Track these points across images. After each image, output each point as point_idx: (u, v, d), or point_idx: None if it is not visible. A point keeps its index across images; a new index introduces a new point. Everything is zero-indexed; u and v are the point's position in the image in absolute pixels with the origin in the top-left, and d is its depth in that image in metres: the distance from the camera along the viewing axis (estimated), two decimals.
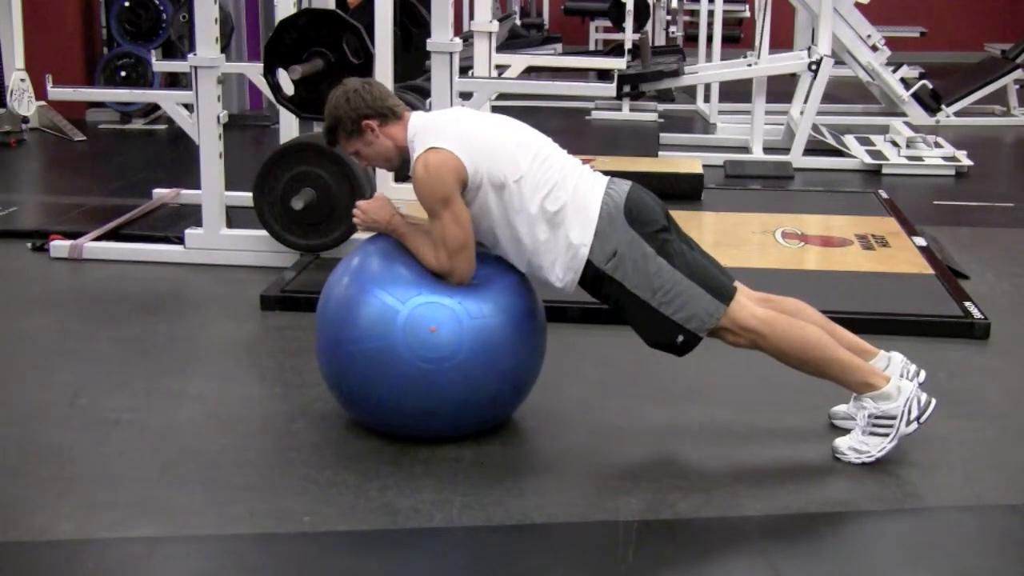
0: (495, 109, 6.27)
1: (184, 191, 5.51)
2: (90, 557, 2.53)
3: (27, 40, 7.33)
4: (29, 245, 4.86)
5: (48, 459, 2.96)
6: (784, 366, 2.99)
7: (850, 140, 7.39)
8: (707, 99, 8.56)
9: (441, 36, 4.49)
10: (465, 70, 5.52)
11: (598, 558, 2.53)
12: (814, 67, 6.99)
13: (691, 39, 9.97)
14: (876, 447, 2.90)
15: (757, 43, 7.28)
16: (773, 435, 3.14)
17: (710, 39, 8.67)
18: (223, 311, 4.20)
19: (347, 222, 4.10)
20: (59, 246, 4.74)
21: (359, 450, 2.97)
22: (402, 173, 3.06)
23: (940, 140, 7.30)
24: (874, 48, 8.26)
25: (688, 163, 6.25)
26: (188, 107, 4.77)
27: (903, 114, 8.34)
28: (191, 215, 5.02)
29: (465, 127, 2.93)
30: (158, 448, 3.03)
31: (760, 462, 3.00)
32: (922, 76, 8.55)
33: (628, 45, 8.31)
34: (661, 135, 7.69)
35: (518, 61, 7.39)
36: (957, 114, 8.53)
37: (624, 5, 8.51)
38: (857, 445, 2.92)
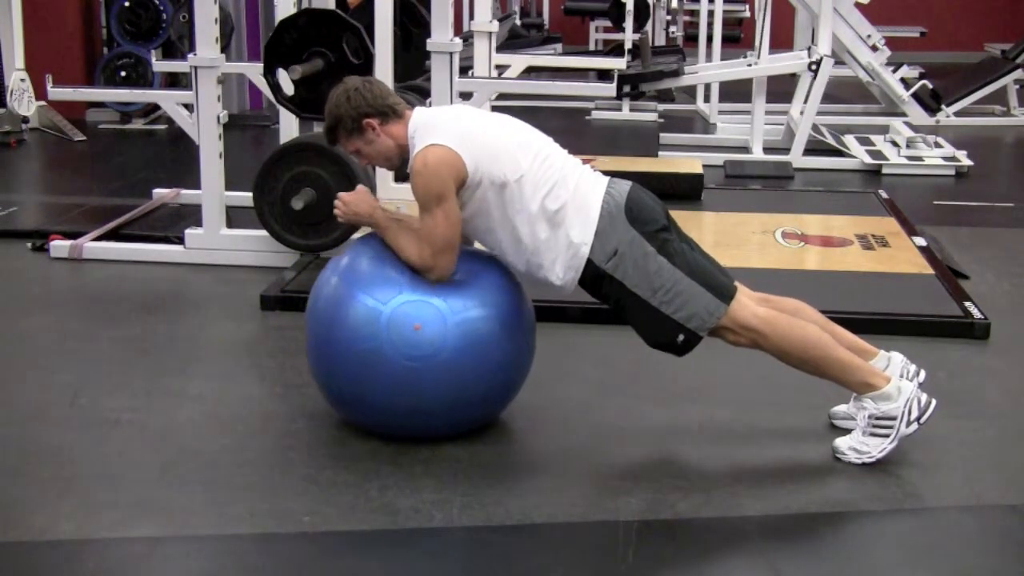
0: (495, 109, 6.26)
1: (184, 191, 5.51)
2: (90, 557, 2.53)
3: (27, 40, 7.33)
4: (29, 245, 4.86)
5: (48, 459, 2.96)
6: (784, 366, 2.99)
7: (850, 140, 7.39)
8: (707, 99, 8.56)
9: (441, 36, 4.49)
10: (465, 70, 5.52)
11: (598, 558, 2.53)
12: (814, 67, 6.99)
13: (691, 39, 9.97)
14: (876, 448, 2.90)
15: (757, 43, 7.28)
16: (773, 435, 3.14)
17: (710, 39, 8.67)
18: (223, 311, 4.20)
19: None
20: (59, 246, 4.74)
21: (359, 450, 2.97)
22: (402, 172, 3.06)
23: (940, 140, 7.30)
24: (874, 48, 8.26)
25: (688, 163, 6.25)
26: (188, 107, 4.77)
27: (903, 114, 8.34)
28: (191, 215, 5.02)
29: (466, 125, 2.93)
30: (158, 448, 3.03)
31: (760, 462, 3.00)
32: (922, 76, 8.55)
33: (628, 45, 8.31)
34: (661, 135, 7.69)
35: (518, 61, 7.39)
36: (957, 114, 8.53)
37: (624, 5, 8.51)
38: (857, 445, 2.92)
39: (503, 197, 2.90)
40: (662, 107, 8.83)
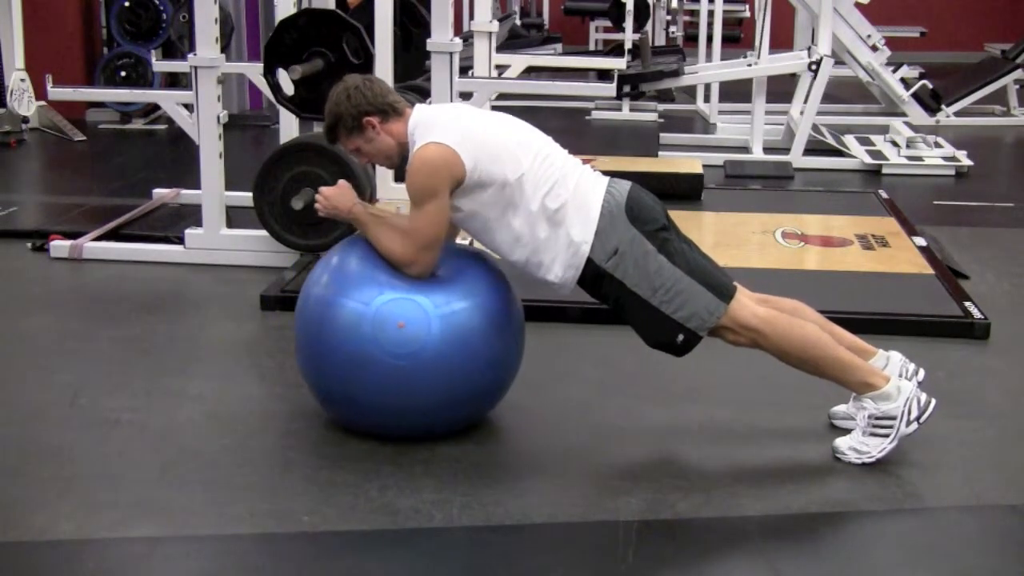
0: (495, 109, 6.25)
1: (184, 191, 5.51)
2: (90, 557, 2.53)
3: (27, 40, 7.33)
4: (29, 245, 4.86)
5: (48, 459, 2.96)
6: (784, 366, 2.99)
7: (850, 140, 7.39)
8: (707, 99, 8.56)
9: (441, 36, 4.49)
10: (465, 70, 5.52)
11: (598, 558, 2.53)
12: (814, 67, 6.99)
13: (691, 39, 9.97)
14: (876, 447, 2.90)
15: (757, 43, 7.28)
16: (773, 435, 3.14)
17: (710, 39, 8.67)
18: (223, 311, 4.20)
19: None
20: (59, 246, 4.74)
21: (359, 450, 2.97)
22: (402, 170, 3.07)
23: (940, 140, 7.30)
24: (874, 48, 8.26)
25: (688, 163, 6.25)
26: (188, 107, 4.77)
27: (903, 114, 8.34)
28: (191, 215, 5.03)
29: (466, 124, 2.93)
30: (158, 448, 3.03)
31: (760, 462, 3.00)
32: (922, 76, 8.55)
33: (628, 45, 8.31)
34: (661, 135, 7.69)
35: (518, 61, 7.39)
36: (957, 114, 8.53)
37: (624, 5, 8.51)
38: (857, 445, 2.92)
39: (502, 196, 2.90)
40: (662, 107, 8.83)
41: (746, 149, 7.29)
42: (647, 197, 2.99)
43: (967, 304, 4.04)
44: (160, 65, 6.54)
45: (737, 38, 10.59)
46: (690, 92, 9.05)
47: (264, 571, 2.50)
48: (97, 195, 6.01)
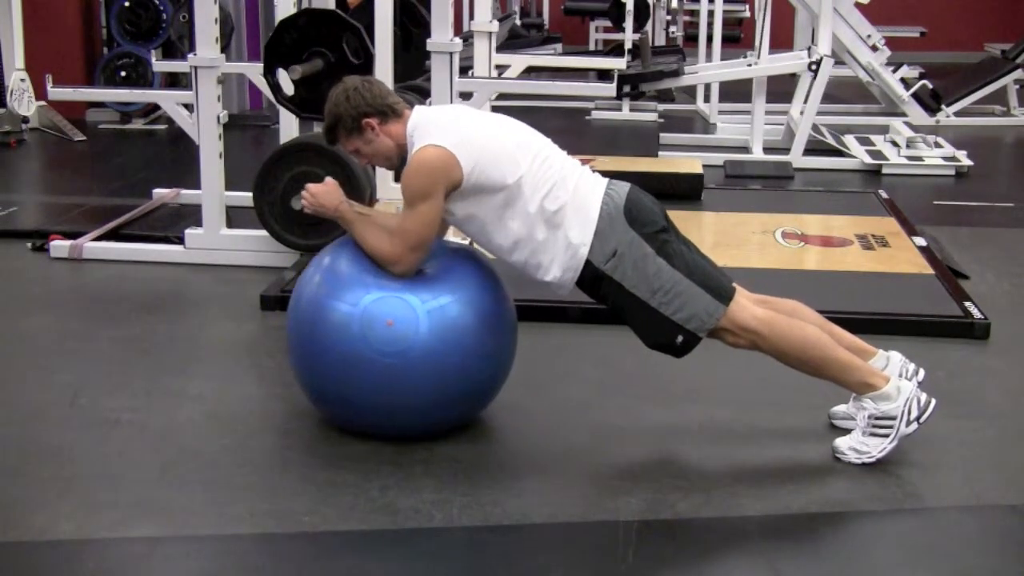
0: (495, 109, 6.26)
1: (184, 191, 5.51)
2: (90, 557, 2.53)
3: (27, 40, 7.33)
4: (29, 245, 4.86)
5: (48, 459, 2.96)
6: (784, 366, 2.99)
7: (850, 140, 7.39)
8: (707, 99, 8.56)
9: (441, 36, 4.49)
10: (465, 70, 5.52)
11: (598, 558, 2.53)
12: (814, 67, 6.99)
13: (691, 39, 9.97)
14: (876, 448, 2.90)
15: (757, 43, 7.28)
16: (773, 435, 3.14)
17: (710, 39, 8.67)
18: (223, 311, 4.20)
19: None
20: (59, 246, 4.74)
21: (359, 450, 2.97)
22: (402, 171, 3.07)
23: (940, 140, 7.30)
24: (874, 48, 8.26)
25: (688, 163, 6.25)
26: (188, 107, 4.77)
27: (903, 114, 8.34)
28: (191, 215, 5.02)
29: (465, 127, 2.93)
30: (158, 448, 3.03)
31: (760, 462, 3.00)
32: (922, 76, 8.55)
33: (628, 45, 8.31)
34: (661, 135, 7.69)
35: (518, 61, 7.39)
36: (957, 114, 8.53)
37: (624, 5, 8.51)
38: (857, 446, 2.92)
39: (500, 199, 2.90)
40: (662, 107, 8.83)
41: (746, 149, 7.29)
42: (646, 199, 2.99)
43: (967, 304, 4.05)
44: (160, 65, 6.54)
45: (737, 38, 10.60)
46: (690, 92, 9.05)
47: (264, 571, 2.50)
48: (97, 195, 6.01)
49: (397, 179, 5.16)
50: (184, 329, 4.01)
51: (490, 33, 6.05)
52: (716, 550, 2.61)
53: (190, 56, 4.64)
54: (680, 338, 2.92)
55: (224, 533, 2.61)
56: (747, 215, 5.40)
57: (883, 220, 5.31)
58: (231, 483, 2.83)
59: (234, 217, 4.91)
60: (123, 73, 7.83)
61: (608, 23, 11.19)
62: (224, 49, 5.69)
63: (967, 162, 6.86)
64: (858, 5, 8.01)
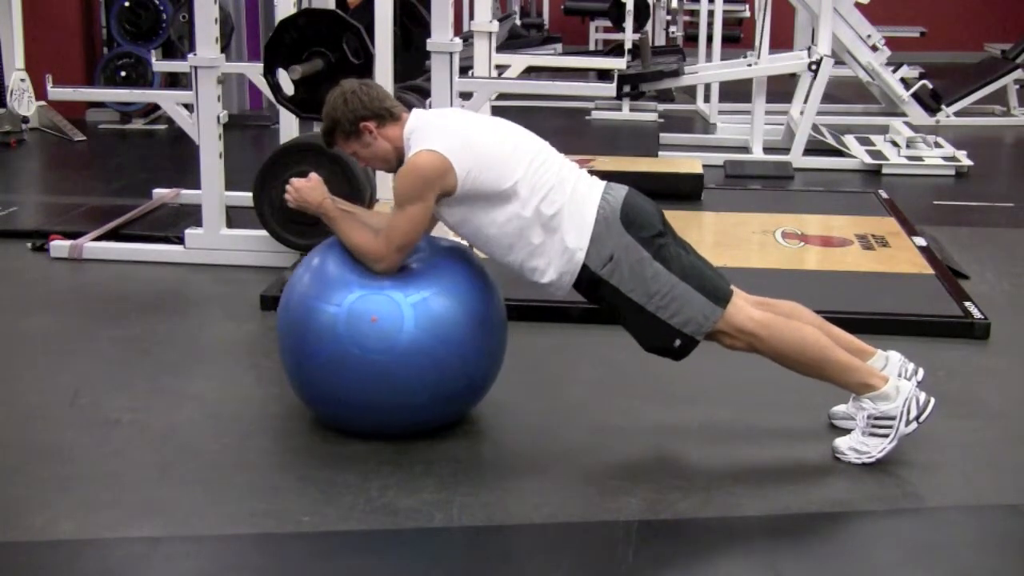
0: (495, 109, 6.27)
1: (184, 191, 5.51)
2: (90, 557, 2.53)
3: (27, 40, 7.34)
4: (29, 245, 4.87)
5: (48, 459, 2.96)
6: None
7: (850, 140, 7.39)
8: (707, 99, 8.57)
9: (441, 36, 4.49)
10: (465, 70, 5.52)
11: (598, 558, 2.53)
12: (814, 67, 6.99)
13: (691, 39, 9.97)
14: (876, 448, 2.90)
15: (757, 43, 7.28)
16: (773, 435, 3.14)
17: (710, 39, 8.67)
18: (223, 311, 4.20)
19: None
20: (59, 246, 4.74)
21: (359, 450, 2.97)
22: None
23: (940, 140, 7.30)
24: (874, 48, 8.26)
25: (688, 163, 6.25)
26: (188, 107, 4.77)
27: (903, 114, 8.34)
28: (191, 215, 5.03)
29: (462, 132, 2.93)
30: (158, 448, 3.03)
31: (760, 462, 3.00)
32: (922, 76, 8.55)
33: (628, 45, 8.31)
34: (661, 135, 7.69)
35: (518, 61, 7.38)
36: (957, 114, 8.54)
37: (624, 5, 8.51)
38: (857, 446, 2.92)
39: (496, 203, 2.90)
40: (662, 107, 8.83)
41: (746, 149, 7.29)
42: (643, 202, 2.99)
43: (967, 304, 4.05)
44: (160, 65, 6.54)
45: (737, 38, 10.59)
46: (690, 92, 9.06)
47: (264, 571, 2.50)
48: (97, 195, 6.00)
49: None
50: (184, 329, 4.01)
51: (490, 33, 6.05)
52: (716, 550, 2.61)
53: (190, 56, 4.64)
54: (678, 342, 2.92)
55: (224, 533, 2.62)
56: (747, 215, 5.40)
57: (883, 220, 5.31)
58: (231, 483, 2.83)
59: (234, 217, 4.91)
60: (123, 73, 7.83)
61: (608, 23, 11.19)
62: (224, 49, 5.68)
63: (967, 162, 6.86)
64: (858, 5, 8.01)
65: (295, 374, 3.06)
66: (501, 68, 6.99)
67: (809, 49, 7.24)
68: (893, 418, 2.89)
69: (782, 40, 9.49)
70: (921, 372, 3.10)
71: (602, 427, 3.18)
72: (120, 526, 2.62)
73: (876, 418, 2.90)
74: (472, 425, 3.14)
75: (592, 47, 11.72)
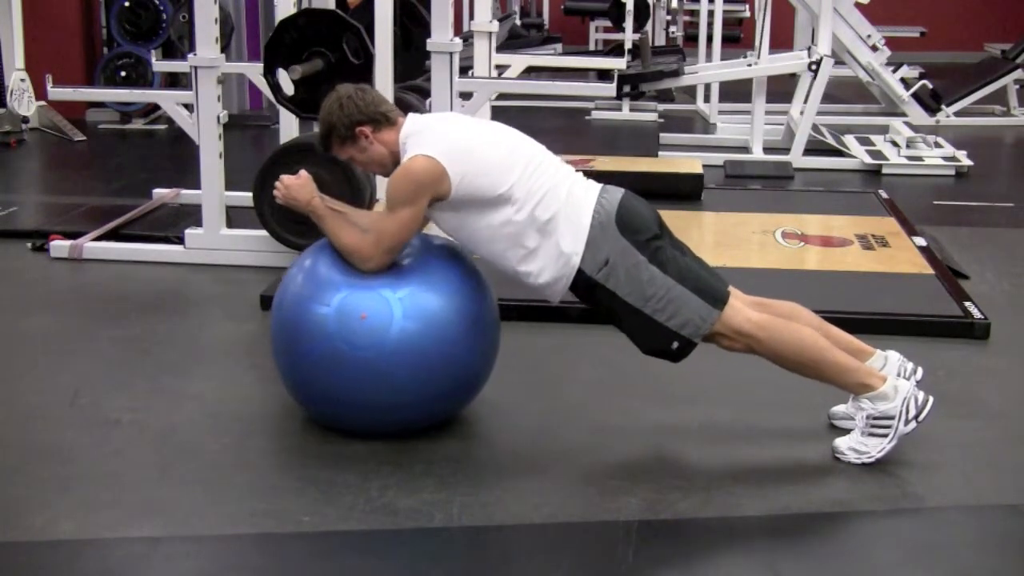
0: (495, 109, 6.27)
1: (184, 191, 5.52)
2: (90, 557, 2.53)
3: (27, 40, 7.34)
4: (29, 245, 4.87)
5: (48, 459, 2.96)
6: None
7: (850, 140, 7.39)
8: (707, 99, 8.57)
9: (441, 36, 4.49)
10: (465, 70, 5.52)
11: (598, 558, 2.53)
12: (814, 67, 6.99)
13: (691, 39, 9.97)
14: (876, 448, 2.90)
15: (757, 43, 7.28)
16: (773, 435, 3.14)
17: (710, 39, 8.67)
18: (223, 311, 4.20)
19: None
20: (59, 246, 4.74)
21: (359, 450, 2.97)
22: None
23: (940, 140, 7.30)
24: (874, 48, 8.26)
25: (688, 163, 6.25)
26: (188, 107, 4.77)
27: (903, 114, 8.34)
28: (191, 215, 5.03)
29: (457, 137, 2.94)
30: (158, 448, 3.03)
31: (760, 462, 3.00)
32: (922, 76, 8.55)
33: (628, 45, 8.31)
34: (661, 135, 7.69)
35: (518, 61, 7.38)
36: (957, 114, 8.54)
37: (624, 5, 8.51)
38: (857, 446, 2.92)
39: (491, 208, 2.90)
40: (662, 107, 8.83)
41: (746, 149, 7.29)
42: (639, 205, 2.99)
43: (967, 304, 4.05)
44: (160, 65, 6.54)
45: (737, 38, 10.60)
46: (690, 92, 9.06)
47: (264, 571, 2.50)
48: (97, 195, 6.00)
49: None
50: (184, 329, 4.01)
51: (490, 33, 6.05)
52: (716, 550, 2.61)
53: (190, 56, 4.64)
54: (675, 344, 2.92)
55: (224, 533, 2.62)
56: (747, 215, 5.39)
57: (883, 220, 5.31)
58: (231, 483, 2.83)
59: (234, 217, 4.91)
60: (123, 73, 7.83)
61: (608, 23, 11.19)
62: (224, 49, 5.68)
63: (967, 162, 6.86)
64: (858, 5, 8.01)
65: (289, 374, 3.06)
66: (501, 68, 6.98)
67: (809, 49, 7.24)
68: (892, 418, 2.89)
69: (782, 40, 9.49)
70: (920, 371, 3.10)
71: (602, 427, 3.18)
72: (120, 526, 2.62)
73: (875, 418, 2.90)
74: (472, 425, 3.14)
75: (592, 47, 11.72)
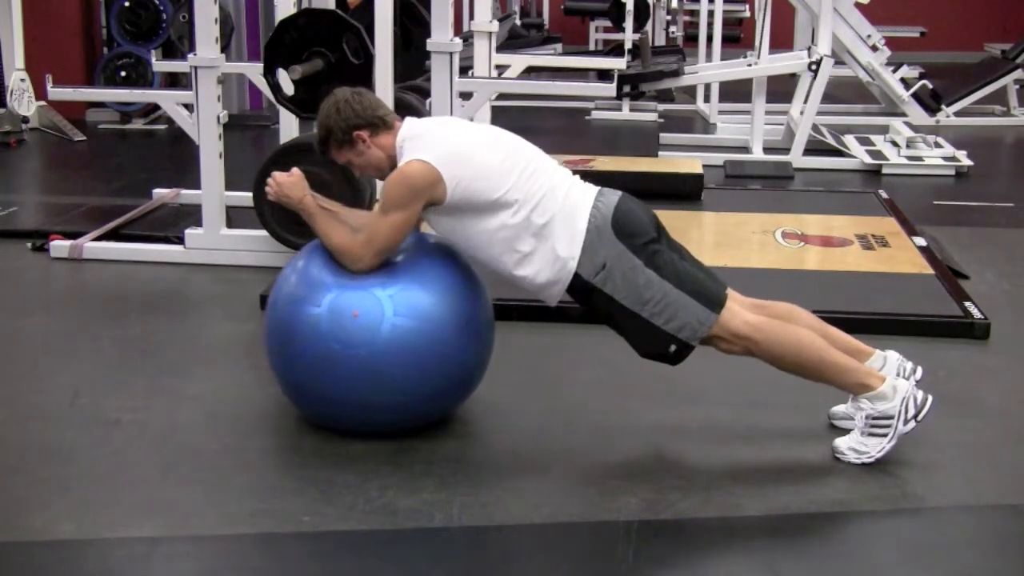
0: (495, 109, 6.27)
1: (184, 191, 5.51)
2: (90, 557, 2.53)
3: (27, 40, 7.34)
4: (29, 245, 4.87)
5: (48, 459, 2.96)
6: None
7: (850, 140, 7.39)
8: (707, 99, 8.57)
9: (441, 36, 4.49)
10: (465, 70, 5.52)
11: (598, 558, 2.53)
12: (814, 67, 6.99)
13: (691, 39, 9.97)
14: (875, 447, 2.90)
15: (757, 43, 7.28)
16: (773, 435, 3.14)
17: (710, 39, 8.67)
18: (223, 311, 4.20)
19: None
20: (59, 246, 4.74)
21: (359, 450, 2.97)
22: None
23: (940, 140, 7.30)
24: (874, 48, 8.26)
25: (688, 163, 6.25)
26: (188, 107, 4.77)
27: (903, 114, 8.34)
28: (191, 215, 5.03)
29: (454, 142, 2.94)
30: (158, 448, 3.03)
31: (760, 462, 3.00)
32: (922, 76, 8.56)
33: (628, 45, 8.31)
34: (661, 135, 7.69)
35: (518, 61, 7.38)
36: (957, 114, 8.54)
37: (624, 5, 8.51)
38: (856, 446, 2.92)
39: (486, 212, 2.90)
40: (662, 107, 8.83)
41: (746, 149, 7.29)
42: (636, 208, 2.98)
43: (967, 304, 4.05)
44: (160, 65, 6.54)
45: (737, 38, 10.59)
46: (690, 92, 9.06)
47: (264, 571, 2.50)
48: (97, 195, 6.00)
49: None
50: (184, 329, 4.01)
51: (490, 33, 6.05)
52: (716, 550, 2.61)
53: (190, 56, 4.64)
54: (673, 347, 2.92)
55: (224, 533, 2.62)
56: (747, 215, 5.39)
57: (883, 220, 5.31)
58: (231, 483, 2.83)
59: (234, 217, 4.91)
60: (123, 73, 7.83)
61: (608, 23, 11.19)
62: (224, 49, 5.68)
63: (967, 162, 6.86)
64: (858, 5, 8.01)
65: (283, 375, 3.06)
66: (501, 68, 6.98)
67: (809, 49, 7.24)
68: (891, 417, 2.89)
69: (782, 40, 9.49)
70: (920, 371, 3.10)
71: (602, 427, 3.18)
72: (120, 526, 2.62)
73: (874, 418, 2.90)
74: (472, 425, 3.14)
75: (592, 47, 11.72)
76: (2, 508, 2.71)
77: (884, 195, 5.87)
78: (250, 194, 4.59)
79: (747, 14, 10.70)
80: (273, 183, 3.05)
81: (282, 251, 4.57)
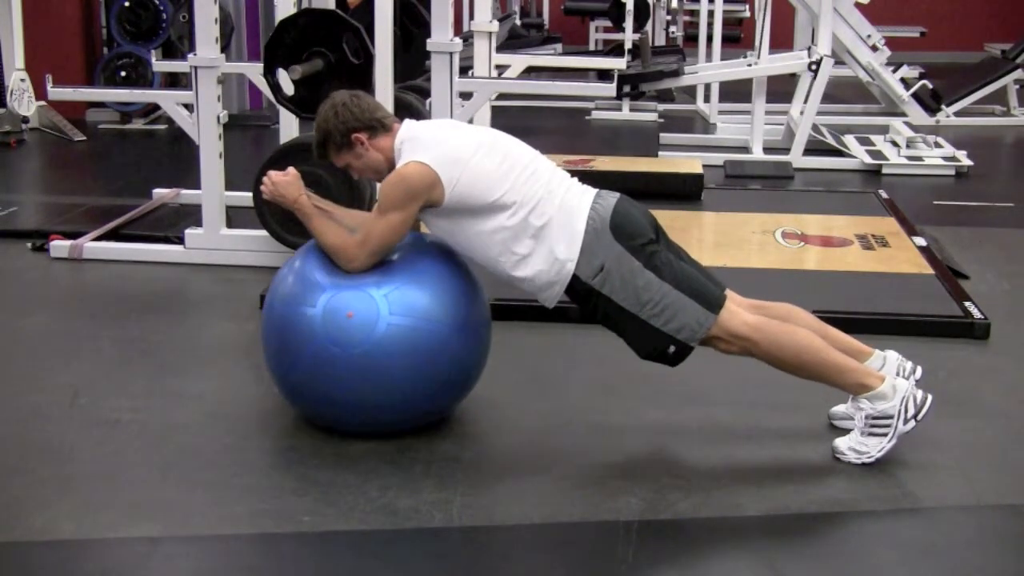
0: (495, 109, 6.27)
1: (184, 191, 5.51)
2: (90, 557, 2.53)
3: (27, 40, 7.33)
4: (29, 245, 4.87)
5: (48, 459, 2.96)
6: None
7: (850, 140, 7.39)
8: (707, 99, 8.57)
9: (441, 36, 4.49)
10: (465, 70, 5.52)
11: (598, 558, 2.53)
12: (814, 67, 6.99)
13: (691, 39, 9.97)
14: (875, 447, 2.90)
15: (757, 43, 7.28)
16: (773, 435, 3.14)
17: (710, 39, 8.67)
18: (223, 311, 4.20)
19: None
20: (59, 246, 4.74)
21: (359, 450, 2.97)
22: None
23: (940, 140, 7.30)
24: (874, 48, 8.26)
25: (688, 163, 6.25)
26: (188, 107, 4.77)
27: (903, 114, 8.35)
28: (191, 215, 5.03)
29: (451, 144, 2.94)
30: (158, 448, 3.03)
31: (760, 462, 3.00)
32: (922, 76, 8.56)
33: (628, 45, 8.31)
34: (661, 135, 7.69)
35: (518, 61, 7.38)
36: (957, 114, 8.54)
37: (624, 5, 8.51)
38: (856, 446, 2.93)
39: (484, 214, 2.91)
40: (662, 107, 8.84)
41: (746, 149, 7.29)
42: (633, 210, 2.98)
43: (967, 304, 4.05)
44: (160, 65, 6.54)
45: (737, 38, 10.59)
46: (690, 92, 9.06)
47: (264, 571, 2.50)
48: (97, 195, 6.01)
49: None
50: (184, 329, 4.01)
51: (490, 33, 6.05)
52: (716, 550, 2.61)
53: (190, 56, 4.64)
54: (672, 348, 2.92)
55: (224, 533, 2.62)
56: (747, 215, 5.39)
57: (883, 220, 5.31)
58: (231, 483, 2.83)
59: (234, 217, 4.91)
60: (123, 73, 7.83)
61: (608, 23, 11.20)
62: (224, 49, 5.69)
63: (967, 162, 6.86)
64: (858, 5, 8.01)
65: (280, 376, 3.06)
66: (501, 68, 6.98)
67: (809, 49, 7.24)
68: (891, 417, 2.89)
69: (782, 40, 9.49)
70: (919, 371, 3.10)
71: (602, 427, 3.18)
72: (120, 526, 2.62)
73: (874, 418, 2.90)
74: (471, 425, 3.14)
75: (592, 47, 11.72)
76: (2, 508, 2.71)
77: (884, 195, 5.87)
78: (250, 194, 4.59)
79: (747, 14, 10.70)
80: (268, 182, 3.06)
81: (282, 251, 4.57)
